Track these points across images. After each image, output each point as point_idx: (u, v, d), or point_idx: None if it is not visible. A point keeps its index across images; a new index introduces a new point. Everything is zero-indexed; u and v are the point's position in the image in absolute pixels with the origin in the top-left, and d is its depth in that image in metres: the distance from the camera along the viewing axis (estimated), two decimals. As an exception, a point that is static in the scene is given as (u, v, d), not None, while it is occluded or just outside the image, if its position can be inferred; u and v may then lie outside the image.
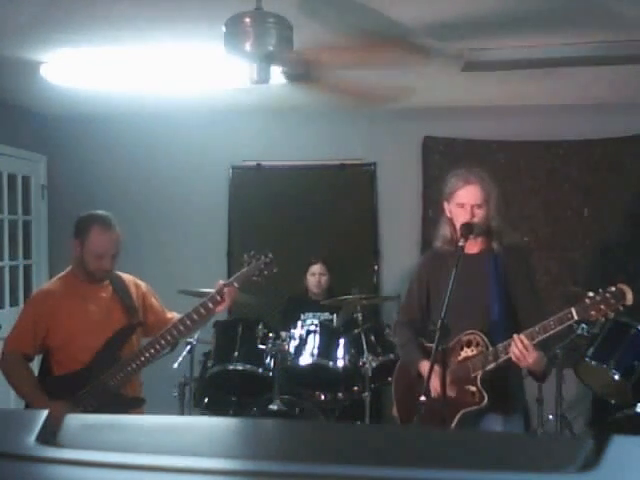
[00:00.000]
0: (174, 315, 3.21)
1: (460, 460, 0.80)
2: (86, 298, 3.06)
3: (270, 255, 3.13)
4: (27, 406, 2.98)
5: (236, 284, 3.05)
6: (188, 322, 3.02)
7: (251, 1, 2.71)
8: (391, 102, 4.75)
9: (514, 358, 2.64)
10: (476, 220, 2.80)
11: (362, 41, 3.48)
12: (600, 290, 2.54)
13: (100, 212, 3.13)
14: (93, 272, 3.04)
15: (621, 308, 2.53)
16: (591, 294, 2.54)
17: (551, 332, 2.59)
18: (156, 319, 3.21)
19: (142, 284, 3.26)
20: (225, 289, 3.02)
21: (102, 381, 2.97)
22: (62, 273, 3.17)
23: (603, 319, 2.58)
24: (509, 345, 2.67)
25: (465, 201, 2.81)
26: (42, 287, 3.38)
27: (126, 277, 3.21)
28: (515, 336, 2.63)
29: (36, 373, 3.09)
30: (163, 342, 3.02)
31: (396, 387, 3.17)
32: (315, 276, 4.81)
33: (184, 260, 5.40)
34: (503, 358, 2.69)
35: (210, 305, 3.02)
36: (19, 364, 2.98)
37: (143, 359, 3.01)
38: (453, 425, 2.74)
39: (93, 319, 3.03)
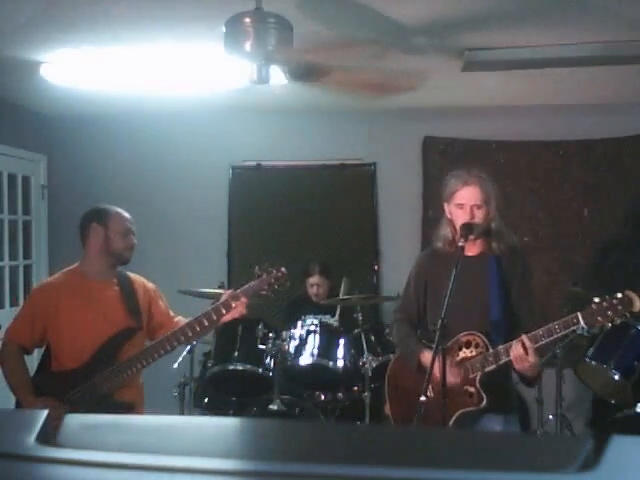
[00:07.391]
0: (180, 319, 3.16)
1: (460, 460, 0.80)
2: (89, 296, 3.00)
3: (283, 269, 3.06)
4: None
5: (244, 298, 2.98)
6: (189, 332, 2.97)
7: (251, 1, 2.71)
8: (392, 98, 4.74)
9: (514, 359, 2.63)
10: (476, 220, 2.79)
11: (362, 41, 3.48)
12: (607, 296, 2.53)
13: None
14: (121, 252, 3.02)
15: (628, 315, 2.53)
16: (597, 300, 2.53)
17: (556, 336, 2.59)
18: (161, 323, 3.15)
19: (151, 287, 3.20)
20: (232, 303, 2.96)
21: (94, 383, 2.90)
22: (68, 268, 3.11)
23: (609, 324, 2.58)
24: (510, 347, 2.66)
25: (464, 202, 2.80)
26: (44, 281, 3.34)
27: (135, 278, 3.16)
28: (523, 336, 2.61)
29: (35, 365, 3.09)
30: (162, 351, 2.97)
31: (390, 385, 3.14)
32: (313, 287, 4.81)
33: (184, 260, 5.40)
34: (504, 360, 2.68)
35: (214, 317, 2.97)
36: (14, 355, 2.98)
37: (139, 365, 2.95)
38: (450, 425, 2.73)
39: (93, 318, 2.96)
